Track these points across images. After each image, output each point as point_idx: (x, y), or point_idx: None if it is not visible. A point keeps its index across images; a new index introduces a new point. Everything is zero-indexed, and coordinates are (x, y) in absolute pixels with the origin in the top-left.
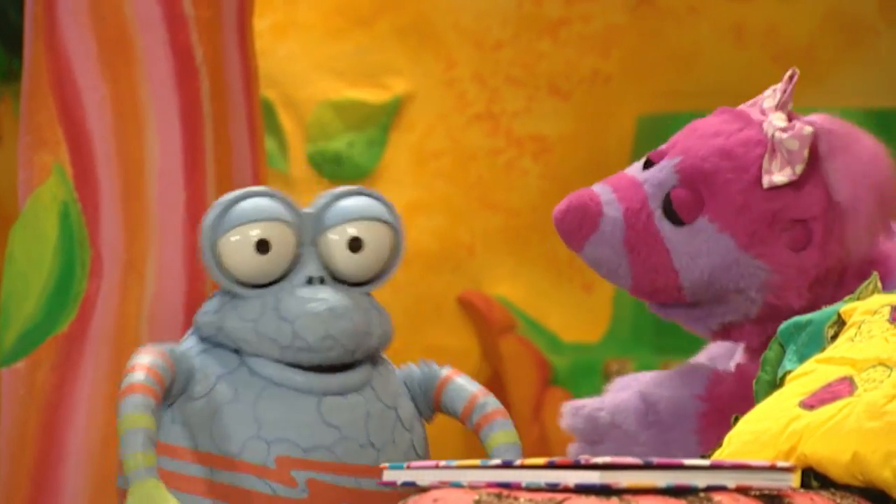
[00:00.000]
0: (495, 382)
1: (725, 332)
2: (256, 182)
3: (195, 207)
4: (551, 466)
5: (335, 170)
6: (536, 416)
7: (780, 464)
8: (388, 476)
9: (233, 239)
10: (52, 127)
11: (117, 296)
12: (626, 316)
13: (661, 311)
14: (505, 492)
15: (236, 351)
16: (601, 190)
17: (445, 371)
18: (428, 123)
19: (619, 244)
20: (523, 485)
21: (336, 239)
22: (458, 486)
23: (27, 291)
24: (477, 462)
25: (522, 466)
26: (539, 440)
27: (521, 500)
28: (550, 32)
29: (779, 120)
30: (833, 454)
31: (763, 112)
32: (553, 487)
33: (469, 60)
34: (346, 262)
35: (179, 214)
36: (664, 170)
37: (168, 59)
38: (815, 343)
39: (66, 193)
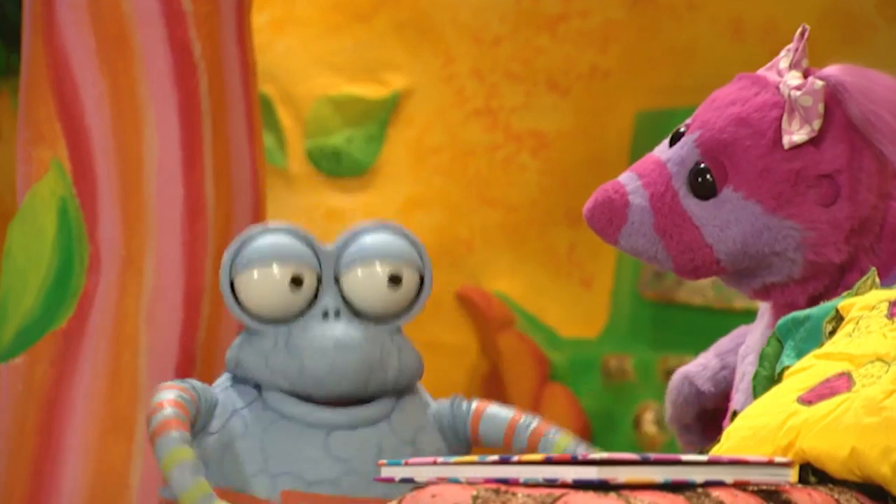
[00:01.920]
0: (494, 378)
1: (766, 292)
2: (254, 179)
3: (193, 203)
4: (549, 462)
5: (334, 165)
6: (535, 411)
7: (778, 459)
8: (386, 472)
9: (255, 276)
10: (50, 122)
11: (115, 292)
12: (624, 311)
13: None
14: (503, 487)
15: (257, 386)
16: (627, 178)
17: (475, 403)
18: (426, 119)
19: (650, 231)
20: (521, 480)
21: (364, 275)
22: (455, 482)
23: (25, 287)
24: (474, 458)
25: (520, 462)
26: None
27: (519, 495)
28: (549, 28)
29: (794, 78)
30: (831, 449)
31: (780, 73)
32: (551, 483)
33: (467, 56)
34: (373, 297)
35: (178, 210)
36: (685, 146)
37: (166, 54)
38: (814, 338)
39: (64, 189)
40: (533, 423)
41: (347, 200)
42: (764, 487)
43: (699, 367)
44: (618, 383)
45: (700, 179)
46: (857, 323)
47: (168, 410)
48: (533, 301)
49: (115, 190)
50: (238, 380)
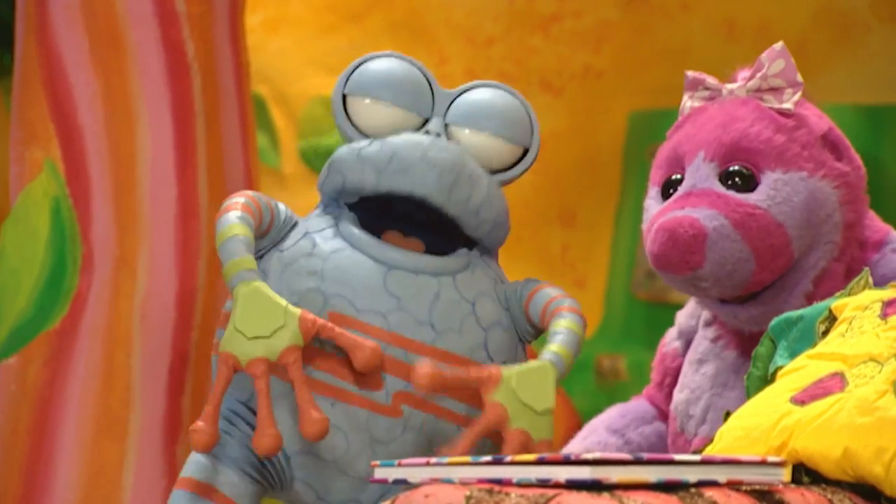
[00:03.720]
0: None
1: (816, 287)
2: (248, 178)
3: (187, 203)
4: (542, 462)
5: None
6: None
7: (771, 459)
8: (380, 473)
9: (366, 102)
10: (43, 123)
11: (109, 292)
12: (617, 312)
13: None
14: (496, 488)
15: (338, 210)
16: (679, 214)
17: (535, 284)
18: None
19: (731, 230)
20: (514, 481)
21: (471, 134)
22: (449, 482)
23: (18, 287)
24: (468, 458)
25: (513, 462)
26: None
27: (513, 496)
28: (542, 28)
29: (741, 79)
30: (824, 449)
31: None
32: (544, 483)
33: (461, 56)
34: (478, 150)
35: (171, 210)
36: (699, 168)
37: (160, 54)
38: (807, 339)
39: (57, 189)
40: (562, 303)
41: None
42: (757, 487)
43: (600, 448)
44: (611, 383)
45: (731, 182)
46: (851, 323)
47: (238, 198)
48: None
49: (109, 190)
50: (326, 205)
